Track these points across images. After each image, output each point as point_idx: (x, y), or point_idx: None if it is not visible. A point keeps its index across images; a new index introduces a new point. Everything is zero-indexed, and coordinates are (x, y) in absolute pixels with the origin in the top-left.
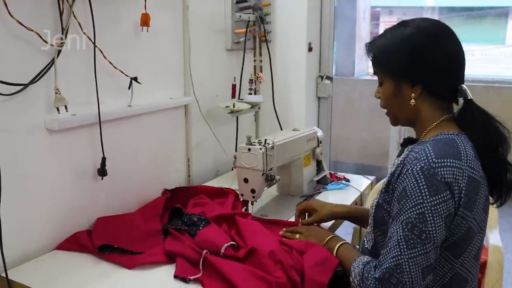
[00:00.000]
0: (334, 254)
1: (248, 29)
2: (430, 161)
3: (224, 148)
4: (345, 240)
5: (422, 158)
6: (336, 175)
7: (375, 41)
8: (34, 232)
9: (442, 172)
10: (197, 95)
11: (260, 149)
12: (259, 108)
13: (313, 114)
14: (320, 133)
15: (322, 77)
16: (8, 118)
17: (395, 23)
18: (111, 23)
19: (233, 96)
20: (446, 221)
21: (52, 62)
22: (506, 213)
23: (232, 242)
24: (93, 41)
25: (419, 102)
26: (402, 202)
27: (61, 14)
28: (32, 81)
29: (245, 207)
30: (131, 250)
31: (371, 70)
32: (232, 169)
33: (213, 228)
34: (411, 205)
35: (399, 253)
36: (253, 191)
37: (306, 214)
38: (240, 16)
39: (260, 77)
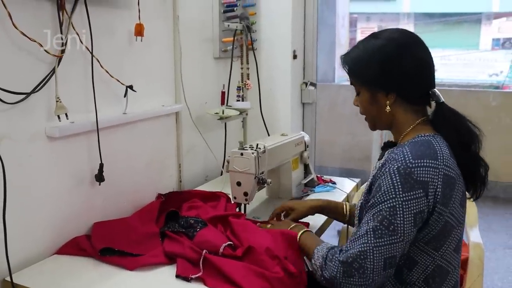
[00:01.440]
0: (298, 239)
1: (235, 38)
2: (407, 161)
3: (214, 153)
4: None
5: (400, 159)
6: (322, 178)
7: (349, 53)
8: (35, 236)
9: (418, 172)
10: (187, 102)
11: (252, 153)
12: (247, 114)
13: (298, 119)
14: (307, 137)
15: (306, 84)
16: (10, 126)
17: (368, 34)
18: (107, 33)
19: (222, 103)
20: (416, 218)
21: (53, 71)
22: (484, 213)
23: (229, 242)
24: (90, 51)
25: (394, 108)
26: (376, 196)
27: (61, 24)
28: (34, 90)
29: (238, 208)
30: (131, 253)
31: None
32: (221, 174)
33: (210, 229)
34: (384, 199)
35: (366, 241)
36: (245, 194)
37: (282, 214)
38: (228, 25)
39: (247, 84)
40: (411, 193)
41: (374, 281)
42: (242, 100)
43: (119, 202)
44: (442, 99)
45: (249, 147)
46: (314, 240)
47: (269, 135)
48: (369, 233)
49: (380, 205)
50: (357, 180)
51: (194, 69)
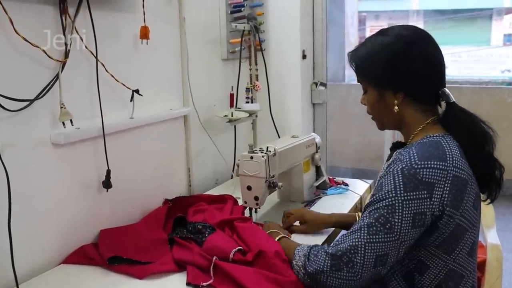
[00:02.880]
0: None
1: (243, 39)
2: (413, 162)
3: (224, 156)
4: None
5: (405, 160)
6: (334, 180)
7: (357, 50)
8: (41, 246)
9: (424, 173)
10: (195, 105)
11: (263, 156)
12: (256, 116)
13: (309, 120)
14: (318, 139)
15: (316, 84)
16: (15, 133)
17: (376, 31)
18: (112, 37)
19: (231, 105)
20: (415, 219)
21: (57, 77)
22: (501, 213)
23: (239, 247)
24: (95, 55)
25: (402, 108)
26: (376, 195)
27: (64, 29)
28: (38, 97)
29: (249, 212)
30: (140, 261)
31: None
32: (232, 177)
33: (219, 234)
34: (383, 197)
35: (358, 236)
36: (256, 198)
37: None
38: (235, 26)
39: (256, 85)
40: (414, 193)
41: (362, 277)
42: (251, 102)
43: (127, 209)
44: (453, 99)
45: (259, 150)
46: (292, 243)
47: (279, 137)
48: (363, 229)
49: (379, 203)
50: (370, 181)
51: (201, 71)
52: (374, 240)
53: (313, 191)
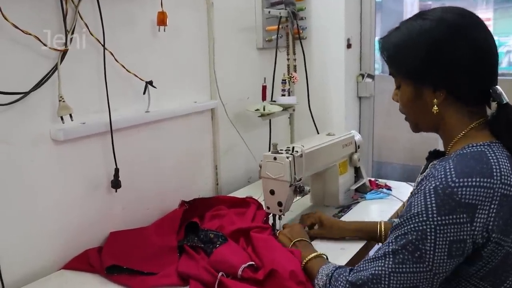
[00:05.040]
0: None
1: (280, 26)
2: (449, 180)
3: (257, 154)
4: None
5: (440, 176)
6: (377, 182)
7: (389, 37)
8: (40, 250)
9: (464, 193)
10: (225, 98)
11: (287, 157)
12: (294, 110)
13: (354, 115)
14: (358, 137)
15: (363, 76)
16: (8, 128)
17: (415, 14)
18: (124, 23)
19: (264, 98)
20: (452, 247)
21: (55, 67)
22: None
23: (250, 262)
24: (102, 44)
25: (443, 109)
26: (404, 217)
27: (64, 15)
28: (33, 89)
29: (265, 218)
30: (142, 271)
31: None
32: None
33: (230, 246)
34: (412, 221)
35: (382, 264)
36: (280, 204)
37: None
38: (269, 12)
39: (293, 77)
40: (450, 217)
41: None
42: (288, 95)
43: (142, 210)
44: (506, 99)
45: (285, 150)
46: (321, 261)
47: (318, 133)
48: (387, 256)
49: (407, 227)
50: None
51: (232, 61)
52: (400, 270)
53: (351, 195)
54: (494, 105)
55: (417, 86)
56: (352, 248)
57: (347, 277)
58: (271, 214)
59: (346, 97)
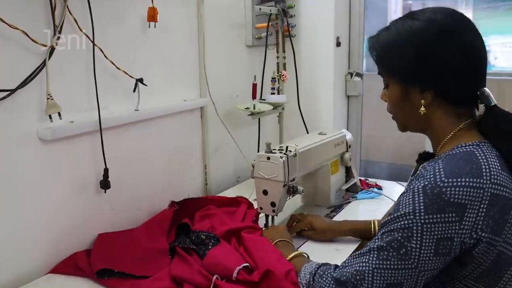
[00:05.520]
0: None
1: (270, 23)
2: (438, 180)
3: (246, 153)
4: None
5: (429, 176)
6: (367, 182)
7: (378, 36)
8: (26, 253)
9: (453, 193)
10: (214, 96)
11: (281, 157)
12: (283, 109)
13: (342, 113)
14: (349, 136)
15: (351, 74)
16: None
17: (404, 14)
18: (114, 19)
19: (254, 96)
20: (439, 245)
21: (44, 63)
22: None
23: (245, 264)
24: (91, 40)
25: (430, 110)
26: (391, 215)
27: (53, 10)
28: (20, 86)
29: (255, 218)
30: (134, 274)
31: None
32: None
33: (223, 247)
34: (399, 219)
35: (366, 260)
36: (273, 204)
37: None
38: (260, 9)
39: (283, 75)
40: (438, 215)
41: None
42: (278, 93)
43: (131, 210)
44: (494, 101)
45: (278, 150)
46: (303, 260)
47: (308, 132)
48: (372, 252)
49: (394, 225)
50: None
51: (222, 59)
52: (384, 266)
53: (342, 194)
54: (482, 107)
55: (405, 86)
56: (347, 249)
57: (332, 274)
58: (264, 215)
59: (334, 96)
